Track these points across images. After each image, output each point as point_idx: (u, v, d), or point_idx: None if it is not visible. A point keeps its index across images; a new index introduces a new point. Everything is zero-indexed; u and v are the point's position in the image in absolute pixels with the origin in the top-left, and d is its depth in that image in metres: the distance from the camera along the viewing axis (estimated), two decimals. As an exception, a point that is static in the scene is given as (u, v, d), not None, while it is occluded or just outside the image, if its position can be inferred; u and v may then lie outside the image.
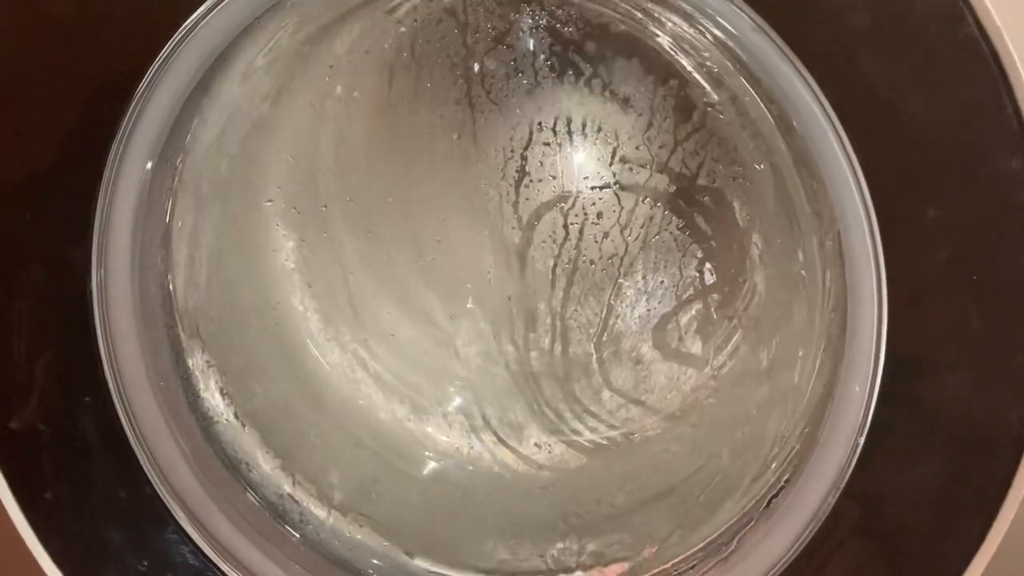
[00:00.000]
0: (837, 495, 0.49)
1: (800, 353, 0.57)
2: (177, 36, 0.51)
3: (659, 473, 0.65)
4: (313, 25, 0.60)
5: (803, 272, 0.57)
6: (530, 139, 0.66)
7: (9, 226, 0.54)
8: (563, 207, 0.67)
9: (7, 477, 0.55)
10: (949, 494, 0.47)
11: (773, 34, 0.45)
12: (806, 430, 0.53)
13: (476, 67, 0.64)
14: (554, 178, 0.67)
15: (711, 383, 0.66)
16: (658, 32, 0.60)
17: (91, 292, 0.54)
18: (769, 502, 0.53)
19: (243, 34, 0.55)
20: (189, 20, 0.51)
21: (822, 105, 0.45)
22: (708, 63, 0.59)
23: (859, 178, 0.45)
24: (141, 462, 0.56)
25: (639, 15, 0.59)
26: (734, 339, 0.65)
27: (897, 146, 0.45)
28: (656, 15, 0.58)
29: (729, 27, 0.48)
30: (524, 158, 0.66)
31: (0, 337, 0.55)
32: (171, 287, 0.59)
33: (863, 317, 0.47)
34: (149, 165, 0.55)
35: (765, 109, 0.55)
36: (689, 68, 0.60)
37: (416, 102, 0.66)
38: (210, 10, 0.51)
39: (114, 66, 0.52)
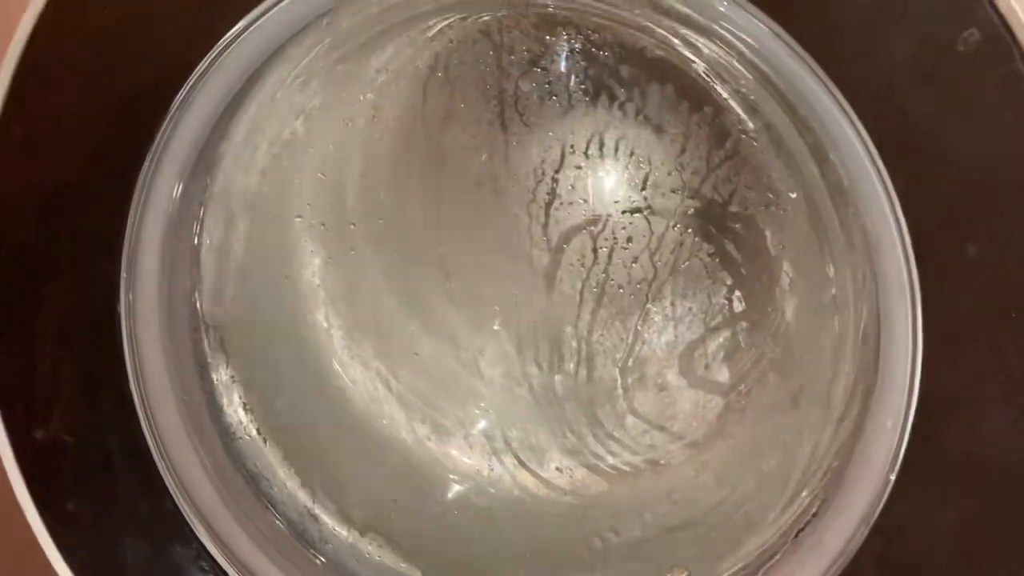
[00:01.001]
0: (866, 532, 0.48)
1: (830, 384, 0.56)
2: (214, 52, 0.51)
3: (683, 502, 0.64)
4: (348, 44, 0.60)
5: (835, 303, 0.56)
6: (562, 162, 0.66)
7: (38, 236, 0.54)
8: (593, 230, 0.67)
9: (29, 487, 0.55)
10: (981, 537, 0.46)
11: (812, 63, 0.45)
12: (835, 464, 0.52)
13: (510, 89, 0.64)
14: (585, 201, 0.66)
15: (737, 412, 0.65)
16: (694, 58, 0.59)
17: (119, 305, 0.54)
18: (796, 534, 0.52)
19: (278, 52, 0.55)
20: (226, 36, 0.51)
21: (860, 136, 0.45)
22: (744, 90, 0.58)
23: (896, 211, 0.45)
24: (163, 475, 0.56)
25: (675, 41, 0.59)
26: (761, 367, 0.64)
27: (937, 181, 0.44)
28: (692, 41, 0.58)
29: (767, 55, 0.48)
30: (555, 180, 0.66)
31: (26, 347, 0.55)
32: (198, 303, 0.59)
33: (897, 351, 0.46)
34: (180, 181, 0.55)
35: (800, 138, 0.54)
36: (724, 95, 0.60)
37: (448, 122, 0.66)
38: (247, 27, 0.51)
39: (149, 80, 0.53)
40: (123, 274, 0.54)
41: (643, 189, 0.65)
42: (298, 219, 0.68)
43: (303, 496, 0.62)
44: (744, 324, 0.65)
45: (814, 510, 0.52)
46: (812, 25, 0.45)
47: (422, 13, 0.61)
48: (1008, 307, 0.44)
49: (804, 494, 0.54)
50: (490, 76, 0.64)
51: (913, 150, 0.44)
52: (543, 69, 0.64)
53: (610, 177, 0.66)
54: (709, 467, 0.65)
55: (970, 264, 0.44)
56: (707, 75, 0.60)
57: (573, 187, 0.66)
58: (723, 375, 0.66)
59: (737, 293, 0.65)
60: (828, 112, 0.45)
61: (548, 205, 0.67)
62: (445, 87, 0.65)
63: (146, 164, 0.53)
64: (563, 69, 0.63)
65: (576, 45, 0.62)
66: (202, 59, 0.52)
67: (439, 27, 0.63)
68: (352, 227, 0.69)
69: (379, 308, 0.70)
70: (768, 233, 0.63)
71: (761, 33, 0.46)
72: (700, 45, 0.58)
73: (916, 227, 0.44)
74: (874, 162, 0.45)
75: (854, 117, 0.44)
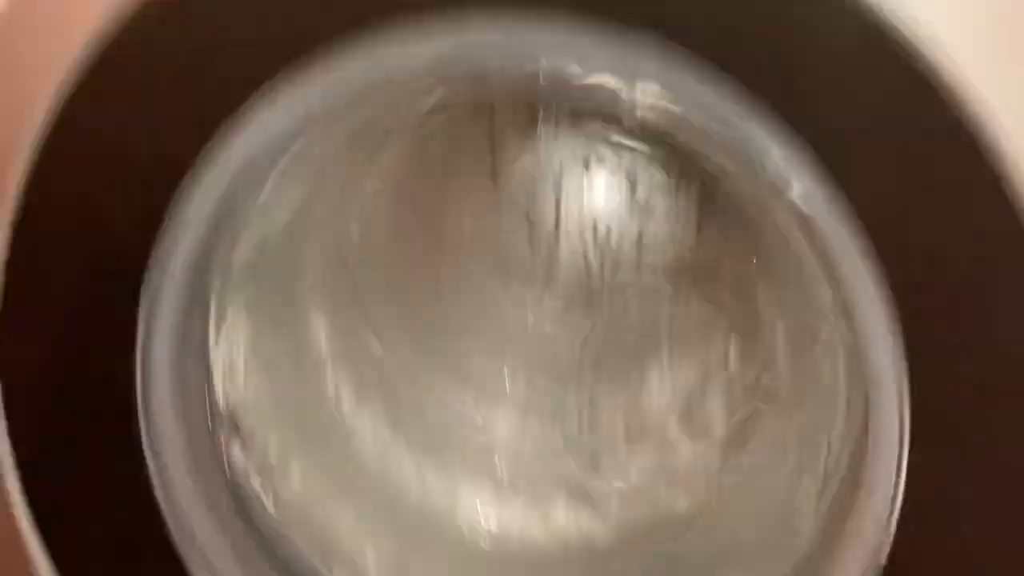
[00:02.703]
0: None
1: (825, 444, 0.58)
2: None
3: (688, 552, 0.66)
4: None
5: (823, 372, 0.58)
6: (557, 222, 0.67)
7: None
8: (590, 290, 0.68)
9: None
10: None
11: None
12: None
13: (505, 164, 0.66)
14: (583, 260, 0.68)
15: (736, 466, 0.67)
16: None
17: (135, 403, 0.55)
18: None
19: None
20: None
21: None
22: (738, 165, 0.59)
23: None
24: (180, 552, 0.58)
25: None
26: (758, 422, 0.66)
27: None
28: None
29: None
30: (552, 245, 0.68)
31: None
32: (212, 390, 0.61)
33: (884, 444, 0.48)
34: (188, 268, 0.56)
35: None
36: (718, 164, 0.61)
37: (444, 192, 0.67)
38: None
39: (161, 156, 0.52)
40: (138, 373, 0.55)
41: (638, 248, 0.67)
42: (302, 283, 0.69)
43: (320, 564, 0.64)
44: (739, 380, 0.67)
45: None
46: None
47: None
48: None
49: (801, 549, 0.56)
50: (484, 153, 0.65)
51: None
52: (538, 141, 0.65)
53: (608, 239, 0.68)
54: (711, 517, 0.67)
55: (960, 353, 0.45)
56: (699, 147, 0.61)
57: (570, 253, 0.68)
58: (720, 428, 0.68)
59: (732, 351, 0.67)
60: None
61: (547, 273, 0.68)
62: (438, 159, 0.66)
63: (156, 245, 0.53)
64: (560, 145, 0.65)
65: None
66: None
67: (435, 97, 0.64)
68: (358, 291, 0.70)
69: (387, 370, 0.71)
70: (760, 296, 0.64)
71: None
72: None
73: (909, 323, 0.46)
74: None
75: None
